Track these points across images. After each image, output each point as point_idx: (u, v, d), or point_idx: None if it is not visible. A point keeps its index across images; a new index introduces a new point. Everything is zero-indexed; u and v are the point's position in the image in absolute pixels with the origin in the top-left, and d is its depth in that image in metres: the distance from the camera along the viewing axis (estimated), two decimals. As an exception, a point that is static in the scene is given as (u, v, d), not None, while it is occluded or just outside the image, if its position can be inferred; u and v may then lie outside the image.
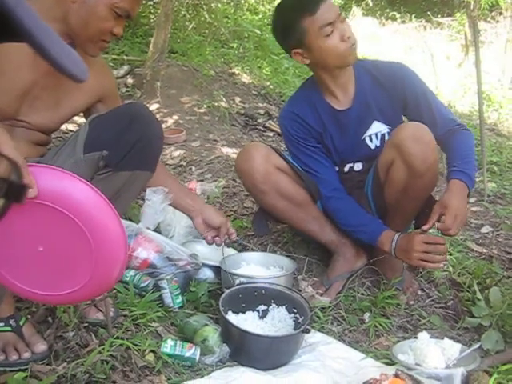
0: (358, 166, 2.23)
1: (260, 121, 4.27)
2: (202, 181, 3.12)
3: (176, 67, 4.64)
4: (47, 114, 1.64)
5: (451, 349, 1.77)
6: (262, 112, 4.44)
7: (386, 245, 2.04)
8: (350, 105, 2.15)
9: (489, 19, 8.54)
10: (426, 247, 1.93)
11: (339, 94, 2.14)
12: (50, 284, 0.99)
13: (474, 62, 4.59)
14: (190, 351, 1.62)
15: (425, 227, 1.94)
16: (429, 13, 9.58)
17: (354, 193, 2.22)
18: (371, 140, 2.17)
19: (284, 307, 1.86)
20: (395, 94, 2.12)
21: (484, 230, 3.04)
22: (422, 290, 2.26)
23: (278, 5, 2.15)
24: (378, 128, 2.16)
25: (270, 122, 4.24)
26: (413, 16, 9.59)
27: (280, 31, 2.08)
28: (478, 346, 1.82)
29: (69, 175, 0.94)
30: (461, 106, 6.21)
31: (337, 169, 2.23)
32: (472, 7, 5.67)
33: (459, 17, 8.76)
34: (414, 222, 2.24)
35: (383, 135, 2.16)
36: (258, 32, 6.07)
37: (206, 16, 5.91)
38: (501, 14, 8.53)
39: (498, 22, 8.51)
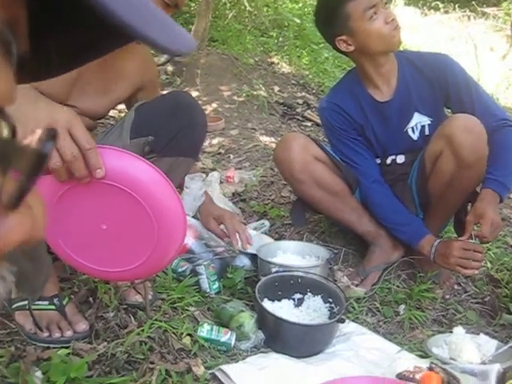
0: (401, 159, 2.22)
1: (298, 110, 4.25)
2: (240, 169, 3.14)
3: (216, 55, 4.66)
4: (96, 100, 1.68)
5: (487, 345, 1.76)
6: (300, 102, 4.43)
7: (426, 249, 2.04)
8: (392, 96, 2.13)
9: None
10: (464, 253, 1.93)
11: (381, 84, 2.12)
12: (110, 261, 1.03)
13: (519, 54, 4.48)
14: (226, 336, 1.65)
15: (462, 238, 1.96)
16: (473, 2, 9.35)
17: (397, 185, 2.21)
18: (413, 131, 2.16)
19: (319, 296, 1.87)
20: (437, 84, 2.09)
21: (524, 226, 2.98)
22: (459, 284, 2.25)
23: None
24: (418, 119, 2.14)
25: (309, 111, 4.22)
26: (456, 6, 9.37)
27: (323, 19, 2.08)
28: (514, 342, 1.80)
29: (132, 156, 0.97)
30: (504, 99, 6.05)
31: (379, 161, 2.22)
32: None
33: (506, 6, 8.53)
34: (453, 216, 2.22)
35: (423, 127, 2.14)
36: (298, 21, 6.04)
37: (246, 4, 5.90)
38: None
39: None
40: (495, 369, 1.58)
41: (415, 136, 2.16)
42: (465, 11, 9.07)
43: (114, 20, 0.34)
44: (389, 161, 2.22)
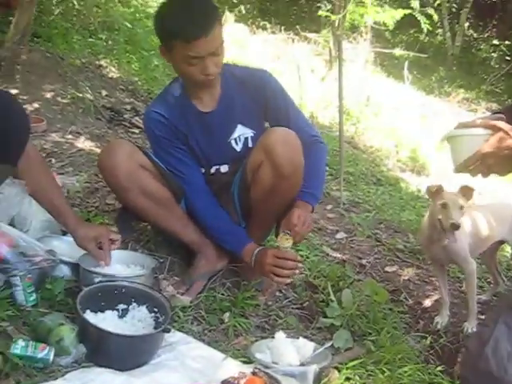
0: (225, 168, 2.25)
1: (126, 116, 4.16)
2: (62, 174, 2.97)
3: (39, 53, 4.39)
4: None
5: (305, 347, 1.86)
6: (128, 108, 4.33)
7: (248, 257, 2.11)
8: (215, 107, 2.16)
9: (351, 39, 9.14)
10: (276, 261, 2.02)
11: (205, 96, 2.15)
12: None
13: (336, 77, 4.86)
14: (43, 352, 1.54)
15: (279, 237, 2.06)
16: (298, 27, 10.00)
17: (220, 194, 2.24)
18: (237, 143, 2.20)
19: (145, 306, 1.83)
20: (258, 99, 2.17)
21: (339, 235, 3.23)
22: (280, 291, 2.35)
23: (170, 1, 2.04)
24: (241, 131, 2.19)
25: (137, 118, 4.15)
26: (282, 28, 9.94)
27: (157, 24, 2.01)
28: (329, 344, 1.94)
29: None
30: (322, 118, 6.53)
31: (203, 170, 2.23)
32: (337, 26, 5.99)
33: (325, 34, 9.24)
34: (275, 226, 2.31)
35: (246, 139, 2.20)
36: (130, 26, 5.93)
37: (75, 2, 5.65)
38: (361, 35, 9.17)
39: (358, 42, 9.14)
40: (312, 369, 1.68)
41: (238, 148, 2.21)
42: (289, 34, 9.66)
43: None
44: (213, 170, 2.25)
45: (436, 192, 2.34)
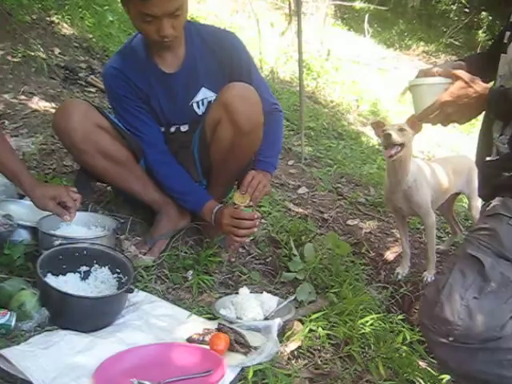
0: (185, 127, 2.22)
1: (82, 75, 4.03)
2: (16, 136, 2.89)
3: (-16, 9, 4.18)
4: None
5: (269, 302, 1.89)
6: (83, 66, 4.20)
7: (208, 216, 2.10)
8: (179, 68, 2.11)
9: (310, -9, 8.98)
10: (233, 221, 2.01)
11: (168, 55, 2.09)
12: None
13: (296, 31, 4.80)
14: (5, 318, 1.52)
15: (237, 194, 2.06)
16: (255, -21, 9.76)
17: (181, 152, 2.21)
18: (198, 106, 2.17)
19: (107, 267, 1.82)
20: (223, 62, 2.12)
21: (301, 190, 3.26)
22: (243, 247, 2.36)
23: None
24: (205, 94, 2.15)
25: (93, 76, 4.03)
26: (240, -19, 9.70)
27: None
28: (293, 298, 1.97)
29: None
30: (283, 73, 6.47)
31: (162, 129, 2.20)
32: (295, -22, 5.88)
33: (283, -14, 9.07)
34: (237, 182, 2.31)
35: (210, 102, 2.16)
36: (81, -21, 5.68)
37: (21, -45, 5.37)
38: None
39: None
40: (276, 323, 1.71)
41: (200, 111, 2.17)
42: (248, -13, 9.42)
43: None
44: (173, 129, 2.21)
45: (378, 125, 2.44)
